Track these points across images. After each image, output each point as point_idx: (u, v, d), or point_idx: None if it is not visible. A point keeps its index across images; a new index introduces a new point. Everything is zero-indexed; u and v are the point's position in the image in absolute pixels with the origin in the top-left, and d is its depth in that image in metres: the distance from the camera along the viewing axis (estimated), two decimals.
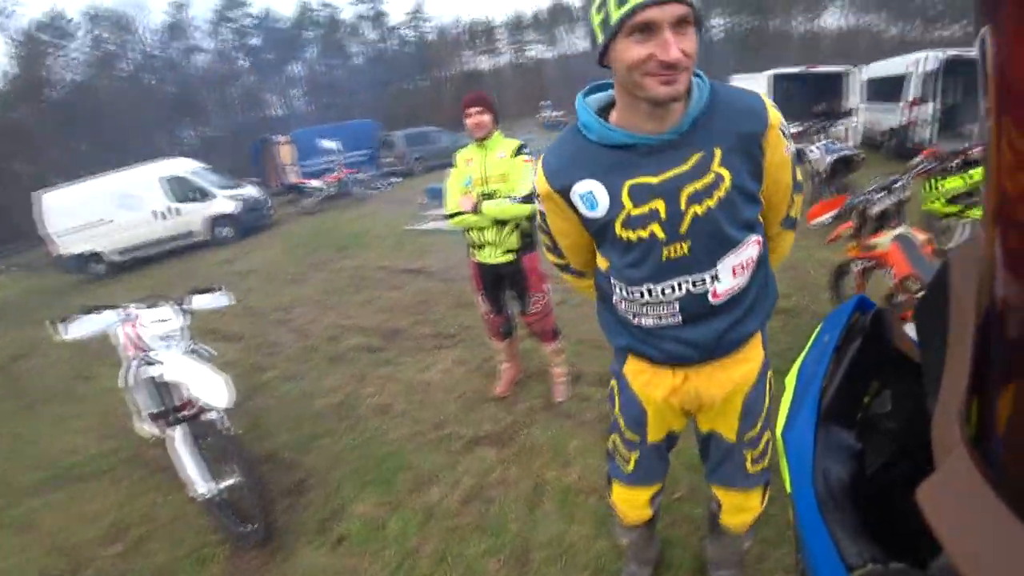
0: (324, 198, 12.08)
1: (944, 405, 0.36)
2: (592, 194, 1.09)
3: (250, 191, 10.91)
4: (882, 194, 2.70)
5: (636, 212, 1.06)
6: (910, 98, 10.01)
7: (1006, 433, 0.31)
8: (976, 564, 0.28)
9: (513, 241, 2.54)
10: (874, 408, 0.51)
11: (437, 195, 9.82)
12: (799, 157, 8.69)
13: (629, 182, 1.05)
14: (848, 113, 9.61)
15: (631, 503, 1.43)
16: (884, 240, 2.59)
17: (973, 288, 0.34)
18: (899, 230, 2.60)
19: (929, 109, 9.72)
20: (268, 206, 10.94)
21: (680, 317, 1.14)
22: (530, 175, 2.37)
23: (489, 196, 2.46)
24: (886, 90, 10.83)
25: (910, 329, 0.48)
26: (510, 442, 2.61)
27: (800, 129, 7.77)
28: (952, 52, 9.40)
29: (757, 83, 10.53)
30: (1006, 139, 0.26)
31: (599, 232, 1.12)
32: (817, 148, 6.73)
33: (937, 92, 9.63)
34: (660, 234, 1.07)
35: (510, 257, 2.58)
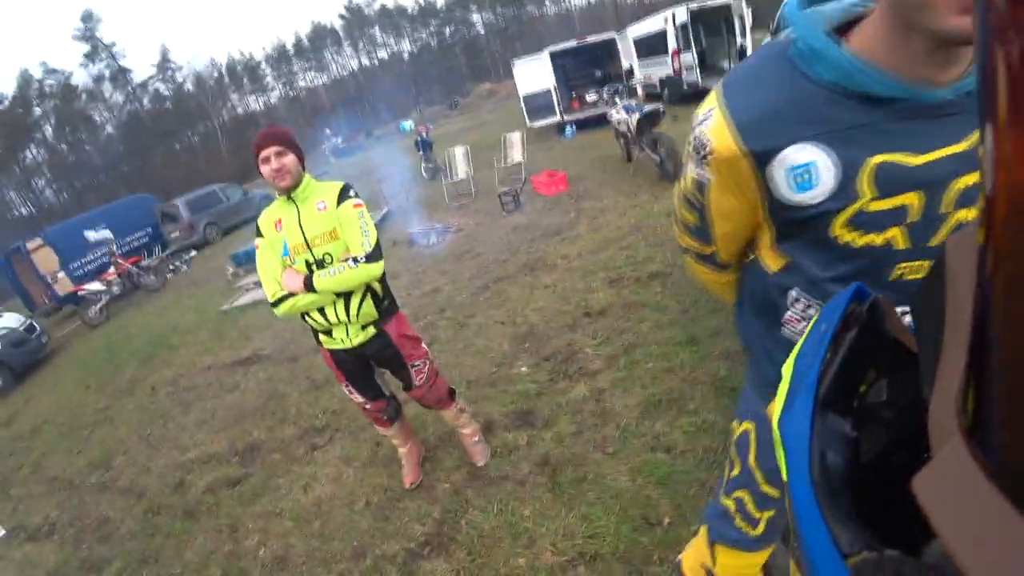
0: (109, 301, 10.15)
1: (940, 394, 0.35)
2: (812, 168, 0.76)
3: (7, 321, 8.77)
4: None
5: (876, 206, 0.76)
6: (672, 49, 11.87)
7: (1002, 422, 0.31)
8: (972, 552, 0.28)
9: (369, 311, 2.06)
10: (870, 396, 0.51)
11: (245, 259, 8.74)
12: (604, 121, 9.30)
13: (876, 159, 0.73)
14: (631, 73, 10.75)
15: (747, 569, 1.22)
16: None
17: (970, 275, 0.33)
18: None
19: (691, 56, 11.70)
20: (39, 333, 8.90)
21: None
22: (368, 223, 1.94)
23: (320, 264, 1.95)
24: (652, 46, 12.72)
25: (906, 317, 0.48)
26: (453, 542, 2.22)
27: (596, 97, 8.37)
28: (694, 5, 11.49)
29: (540, 62, 11.55)
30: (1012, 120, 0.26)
31: (798, 224, 0.82)
32: (620, 110, 7.23)
33: (691, 40, 11.59)
34: (900, 243, 0.78)
35: (370, 332, 2.11)
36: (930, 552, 0.39)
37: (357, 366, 2.19)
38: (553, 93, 12.04)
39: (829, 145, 0.73)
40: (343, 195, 1.96)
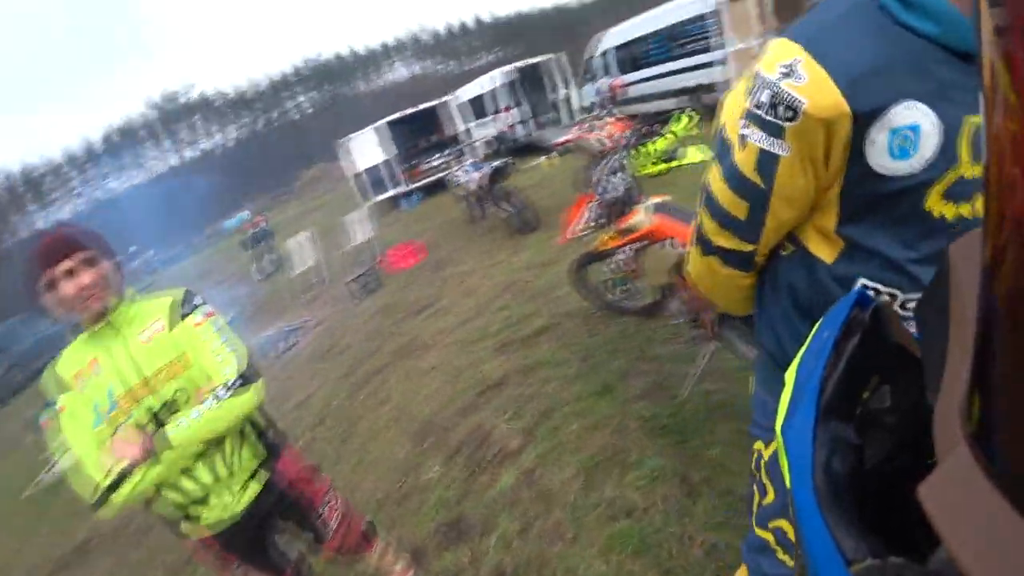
0: None
1: (945, 401, 0.36)
2: (916, 130, 0.69)
3: None
4: (616, 177, 2.88)
5: (973, 172, 0.72)
6: (502, 107, 12.60)
7: (1008, 429, 0.31)
8: (977, 559, 0.28)
9: (253, 454, 1.56)
10: (873, 403, 0.52)
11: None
12: (443, 186, 9.34)
13: (975, 118, 0.69)
14: (466, 134, 11.07)
15: None
16: (641, 216, 2.66)
17: (975, 281, 0.33)
18: (649, 202, 2.71)
19: (517, 113, 12.45)
20: None
21: None
22: (229, 336, 1.51)
23: (172, 408, 1.42)
24: (482, 106, 13.42)
25: (910, 323, 0.51)
26: None
27: (435, 162, 8.40)
28: (519, 64, 12.52)
29: (372, 135, 11.50)
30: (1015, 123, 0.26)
31: (883, 199, 0.75)
32: (463, 171, 7.30)
33: (519, 97, 12.39)
34: (979, 211, 0.73)
35: (261, 481, 1.56)
36: (935, 559, 0.38)
37: (252, 536, 1.59)
38: (390, 165, 11.97)
39: (931, 105, 0.69)
40: (185, 305, 1.49)
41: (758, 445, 1.04)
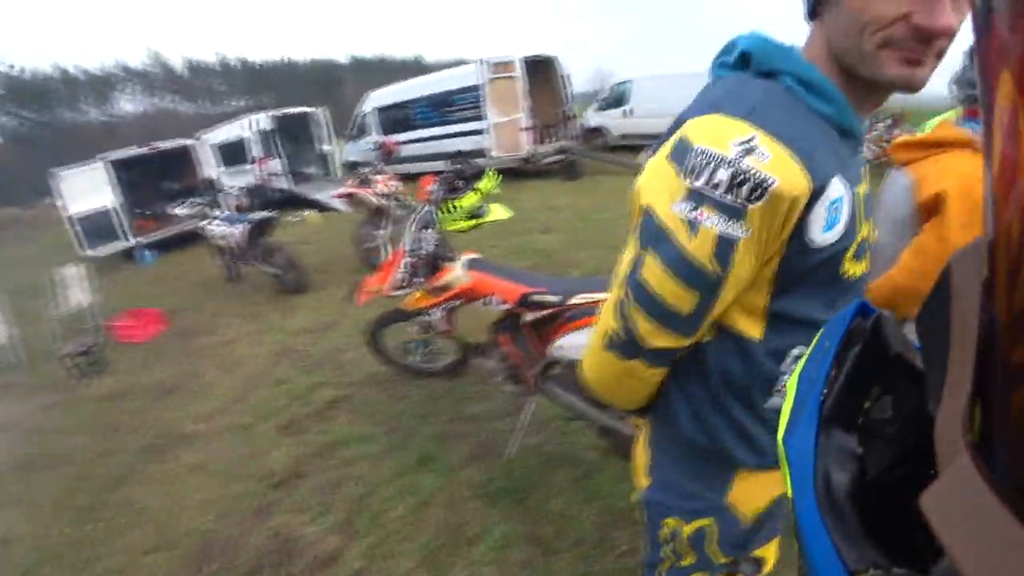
0: None
1: (947, 410, 0.36)
2: (840, 203, 0.76)
3: None
4: (427, 233, 2.86)
5: (864, 235, 0.84)
6: (257, 157, 11.89)
7: (1010, 439, 0.32)
8: (981, 570, 0.28)
9: None
10: (874, 413, 0.52)
11: None
12: (191, 239, 8.23)
13: (861, 188, 0.83)
14: (213, 182, 9.91)
15: None
16: (458, 273, 2.66)
17: (975, 291, 0.34)
18: (464, 258, 2.76)
19: (277, 163, 11.93)
20: None
21: None
22: None
23: None
24: (235, 153, 12.41)
25: (911, 333, 0.50)
26: None
27: (180, 211, 7.37)
28: (277, 112, 12.04)
29: (96, 173, 9.33)
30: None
31: (812, 269, 0.79)
32: (219, 223, 6.43)
33: (276, 147, 11.87)
34: (864, 268, 0.87)
35: None
36: (937, 569, 0.38)
37: None
38: (118, 212, 9.93)
39: (842, 178, 0.76)
40: None
41: (671, 522, 1.07)
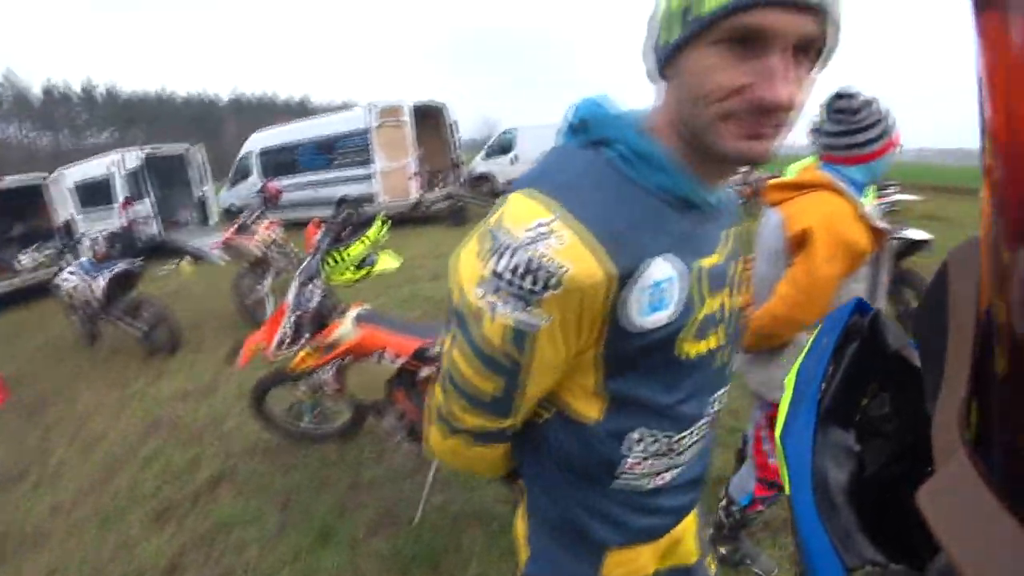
0: None
1: (944, 408, 0.36)
2: (668, 284, 0.71)
3: None
4: (311, 286, 2.76)
5: (708, 311, 0.77)
6: (123, 199, 10.92)
7: (1006, 436, 0.32)
8: (976, 565, 0.28)
9: None
10: (872, 410, 0.53)
11: None
12: (42, 292, 7.43)
13: (702, 262, 0.76)
14: (69, 226, 8.92)
15: None
16: (347, 328, 2.58)
17: (972, 288, 0.36)
18: (352, 311, 2.70)
19: (147, 206, 11.03)
20: None
21: (698, 448, 0.90)
22: None
23: None
24: (97, 194, 11.30)
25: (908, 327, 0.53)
26: None
27: (26, 261, 6.55)
28: (147, 150, 11.09)
29: None
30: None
31: (641, 352, 0.74)
32: (74, 274, 5.71)
33: (145, 189, 10.96)
34: (716, 342, 0.81)
35: None
36: (933, 566, 0.39)
37: None
38: None
39: (675, 255, 0.72)
40: None
41: None
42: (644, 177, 0.71)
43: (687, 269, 0.73)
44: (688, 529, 1.08)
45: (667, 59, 0.68)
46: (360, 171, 11.83)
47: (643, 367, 0.77)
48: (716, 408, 0.89)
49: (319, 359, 2.63)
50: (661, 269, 0.70)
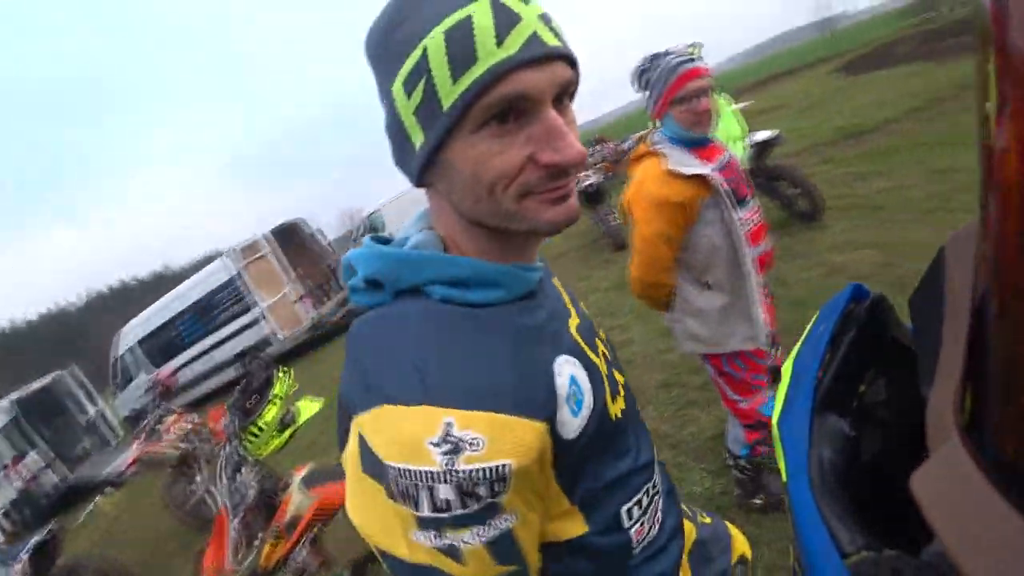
0: None
1: (939, 393, 0.37)
2: (575, 377, 0.65)
3: None
4: (242, 476, 2.52)
5: (603, 366, 0.74)
6: (7, 460, 9.82)
7: (999, 421, 0.33)
8: (969, 550, 0.29)
9: None
10: (869, 396, 0.53)
11: None
12: None
13: (571, 330, 0.72)
14: None
15: None
16: (300, 499, 2.38)
17: (968, 274, 0.36)
18: (296, 479, 2.46)
19: (37, 458, 9.96)
20: None
21: (660, 491, 0.85)
22: None
23: None
24: None
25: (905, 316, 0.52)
26: None
27: None
28: (15, 394, 10.02)
29: None
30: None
31: (589, 450, 0.66)
32: None
33: (31, 437, 9.95)
34: (620, 381, 0.80)
35: None
36: (928, 551, 0.39)
37: None
38: None
39: (556, 347, 0.67)
40: None
41: None
42: (485, 299, 0.64)
43: (574, 350, 0.69)
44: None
45: (426, 165, 0.61)
46: (246, 319, 11.31)
47: (594, 459, 0.71)
48: (646, 429, 0.87)
49: (286, 545, 2.37)
50: (566, 372, 0.64)
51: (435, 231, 0.68)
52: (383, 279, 0.64)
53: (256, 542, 2.39)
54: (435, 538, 0.55)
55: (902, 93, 10.68)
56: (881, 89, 12.38)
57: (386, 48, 0.59)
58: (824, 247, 4.94)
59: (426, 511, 0.54)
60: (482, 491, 0.54)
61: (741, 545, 1.19)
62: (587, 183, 7.74)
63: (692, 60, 1.75)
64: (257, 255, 10.98)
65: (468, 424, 0.54)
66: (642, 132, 2.04)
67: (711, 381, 2.29)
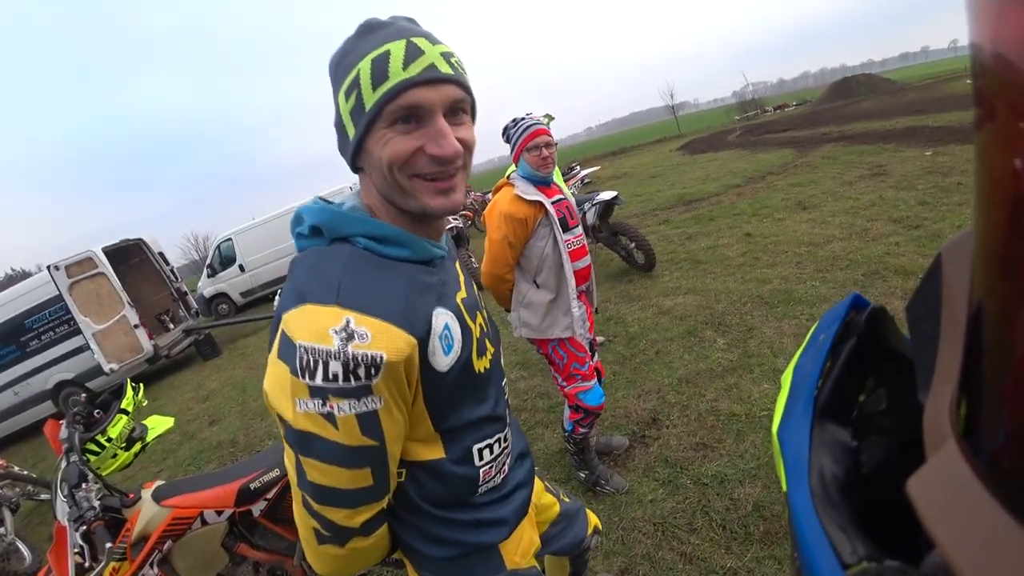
0: None
1: (935, 399, 0.38)
2: (448, 328, 0.90)
3: None
4: (83, 490, 2.23)
5: (479, 333, 1.00)
6: None
7: (995, 427, 0.33)
8: (965, 555, 0.29)
9: None
10: (869, 405, 0.54)
11: None
12: None
13: (458, 299, 0.97)
14: None
15: None
16: (150, 511, 2.21)
17: (965, 279, 0.36)
18: (145, 493, 2.31)
19: None
20: None
21: (513, 428, 1.14)
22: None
23: None
24: None
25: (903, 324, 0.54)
26: None
27: None
28: None
29: None
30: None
31: (455, 388, 0.93)
32: None
33: None
34: (492, 349, 1.06)
35: None
36: (928, 562, 0.40)
37: None
38: None
39: (442, 305, 0.90)
40: None
41: None
42: (395, 253, 0.88)
43: (454, 309, 0.93)
44: (539, 489, 1.33)
45: (357, 151, 0.85)
46: (68, 345, 9.99)
47: (458, 396, 0.95)
48: (507, 395, 1.13)
49: (134, 563, 2.19)
50: (441, 319, 0.88)
51: (363, 202, 0.93)
52: (324, 227, 0.88)
53: (100, 563, 2.14)
54: (320, 405, 0.77)
55: (726, 172, 12.88)
56: (711, 167, 14.70)
57: (337, 68, 0.84)
58: (656, 292, 5.95)
59: (319, 381, 0.76)
60: (361, 372, 0.76)
61: (594, 519, 1.56)
62: (449, 226, 8.18)
63: (541, 123, 2.59)
64: (88, 273, 9.69)
65: (362, 323, 0.77)
66: (508, 179, 2.74)
67: (554, 406, 2.92)
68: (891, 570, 0.40)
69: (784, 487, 0.50)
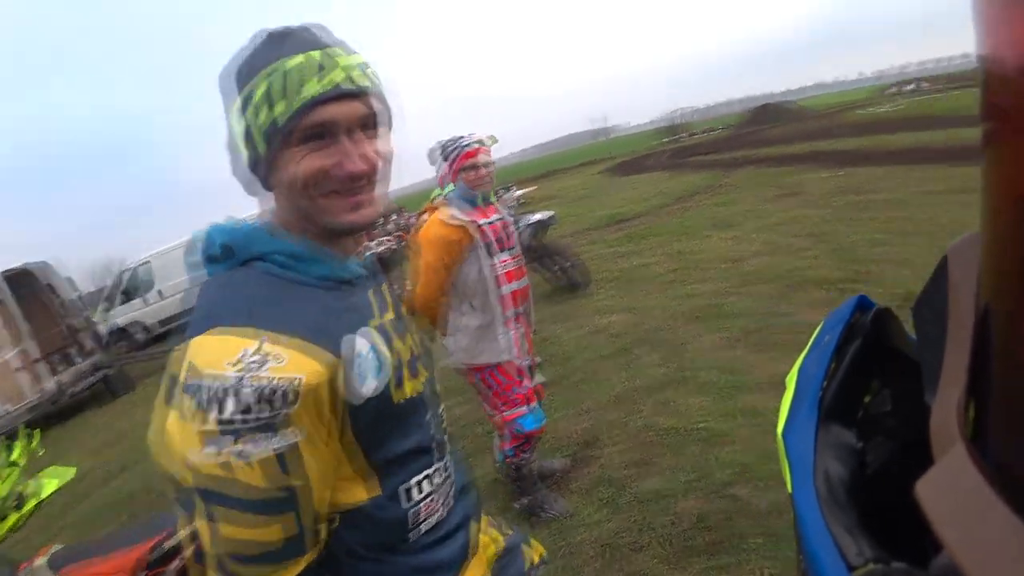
0: None
1: (942, 401, 0.38)
2: (365, 354, 0.83)
3: None
4: None
5: (405, 357, 0.92)
6: None
7: (1003, 428, 0.33)
8: (973, 556, 0.29)
9: None
10: (874, 407, 0.54)
11: None
12: None
13: (379, 322, 0.90)
14: None
15: None
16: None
17: (972, 281, 0.36)
18: (38, 563, 2.08)
19: None
20: None
21: (453, 460, 1.05)
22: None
23: None
24: None
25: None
26: None
27: None
28: None
29: None
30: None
31: (380, 418, 0.85)
32: None
33: None
34: (423, 373, 0.98)
35: None
36: (936, 563, 0.40)
37: None
38: None
39: (358, 325, 0.84)
40: None
41: None
42: (307, 273, 0.83)
43: (372, 334, 0.85)
44: (483, 524, 1.19)
45: (268, 170, 0.81)
46: None
47: (384, 427, 0.86)
48: (443, 420, 1.04)
49: None
50: (357, 344, 0.81)
51: (275, 220, 0.88)
52: (236, 247, 0.83)
53: None
54: (221, 450, 0.67)
55: (654, 192, 13.31)
56: (639, 188, 15.18)
57: (238, 79, 0.79)
58: (589, 311, 5.99)
59: (229, 413, 0.67)
60: (274, 401, 0.68)
61: (539, 548, 1.40)
62: (382, 248, 8.03)
63: (484, 143, 2.54)
64: None
65: (274, 345, 0.72)
66: (433, 202, 2.72)
67: (493, 431, 2.81)
68: (898, 572, 0.40)
69: (789, 488, 0.50)
